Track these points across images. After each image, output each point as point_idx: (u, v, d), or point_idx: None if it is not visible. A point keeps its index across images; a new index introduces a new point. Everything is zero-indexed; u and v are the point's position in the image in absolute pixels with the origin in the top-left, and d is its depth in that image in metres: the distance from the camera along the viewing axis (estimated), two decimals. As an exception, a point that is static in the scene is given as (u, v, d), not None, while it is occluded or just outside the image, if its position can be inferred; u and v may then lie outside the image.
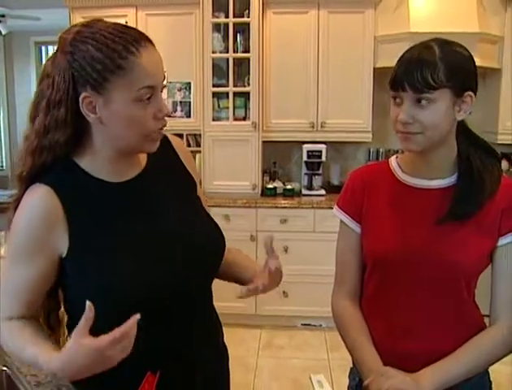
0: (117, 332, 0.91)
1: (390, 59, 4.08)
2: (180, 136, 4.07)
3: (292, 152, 4.48)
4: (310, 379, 1.09)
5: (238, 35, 3.96)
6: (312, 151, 4.20)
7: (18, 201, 1.11)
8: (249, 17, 3.90)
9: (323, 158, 4.23)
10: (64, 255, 1.09)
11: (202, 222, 1.24)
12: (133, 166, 1.18)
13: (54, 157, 1.10)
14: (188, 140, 4.25)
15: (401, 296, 1.30)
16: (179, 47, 4.01)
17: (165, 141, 1.23)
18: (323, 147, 4.19)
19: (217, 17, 3.93)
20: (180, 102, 4.14)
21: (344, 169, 4.54)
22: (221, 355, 1.33)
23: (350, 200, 1.38)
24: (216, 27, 3.99)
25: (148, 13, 4.04)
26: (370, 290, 1.36)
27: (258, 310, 3.98)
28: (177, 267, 1.12)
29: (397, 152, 4.48)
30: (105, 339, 0.92)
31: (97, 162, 1.13)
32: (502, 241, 1.26)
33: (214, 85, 3.98)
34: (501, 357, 1.26)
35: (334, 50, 4.05)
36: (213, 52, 3.95)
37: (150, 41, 1.08)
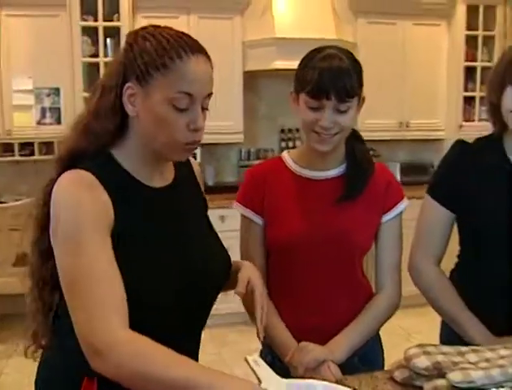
0: None
1: (258, 63, 4.37)
2: (51, 144, 3.93)
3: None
4: (247, 360, 1.15)
5: (108, 39, 3.91)
6: (187, 154, 4.28)
7: (51, 184, 1.07)
8: (119, 21, 3.88)
9: (198, 160, 4.32)
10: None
11: (214, 246, 1.28)
12: (162, 176, 1.20)
13: (98, 145, 1.12)
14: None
15: (305, 276, 1.44)
16: (45, 51, 3.88)
17: (186, 161, 1.28)
18: (197, 149, 4.30)
19: (86, 20, 3.85)
20: (50, 108, 3.99)
21: (218, 170, 4.70)
22: None
23: (252, 195, 1.48)
24: (85, 30, 3.90)
25: (8, 14, 3.84)
26: (276, 274, 1.48)
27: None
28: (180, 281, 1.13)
29: (266, 151, 4.75)
30: None
31: (131, 161, 1.14)
32: (386, 218, 1.47)
33: (85, 90, 3.89)
34: (389, 318, 1.48)
35: None
36: (83, 56, 3.87)
37: (206, 54, 1.11)
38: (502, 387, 1.12)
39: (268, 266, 1.50)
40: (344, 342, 1.38)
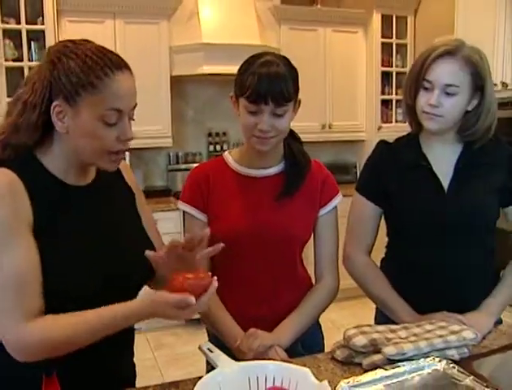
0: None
1: (185, 68, 4.43)
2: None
3: (95, 160, 4.46)
4: (201, 348, 1.24)
5: (32, 42, 3.82)
6: (116, 158, 4.27)
7: None
8: (43, 24, 3.80)
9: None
10: None
11: (140, 236, 1.33)
12: (86, 174, 1.25)
13: (16, 155, 1.15)
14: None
15: (248, 269, 1.53)
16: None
17: None
18: (126, 154, 4.29)
19: (7, 22, 3.74)
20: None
21: (146, 174, 4.71)
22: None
23: (196, 193, 1.55)
24: (7, 33, 3.79)
25: None
26: (221, 267, 1.54)
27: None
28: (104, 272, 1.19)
29: (194, 155, 4.81)
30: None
31: (56, 162, 1.19)
32: (322, 212, 1.58)
33: (8, 95, 3.78)
34: (328, 305, 1.60)
35: (132, 60, 3.97)
36: (5, 60, 3.75)
37: (129, 69, 1.16)
38: (429, 356, 1.27)
39: (214, 261, 1.57)
40: (288, 329, 1.48)
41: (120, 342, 1.27)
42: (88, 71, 1.10)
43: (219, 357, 1.17)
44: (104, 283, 1.18)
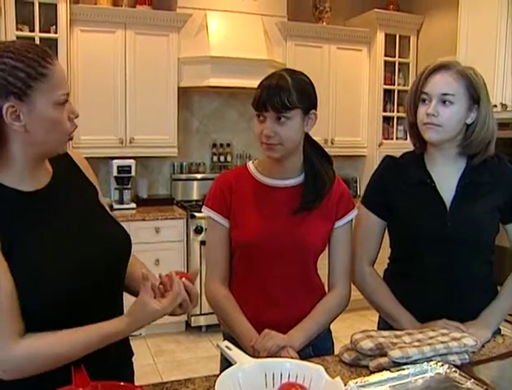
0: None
1: (192, 79, 4.54)
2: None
3: (99, 167, 4.51)
4: (219, 346, 1.32)
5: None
6: (122, 166, 4.36)
7: None
8: (56, 33, 3.91)
9: (133, 173, 4.41)
10: None
11: (112, 224, 1.38)
12: (45, 174, 1.28)
13: None
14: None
15: (265, 275, 1.61)
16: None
17: (65, 155, 1.34)
18: (132, 162, 4.38)
19: (21, 30, 3.84)
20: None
21: (151, 183, 4.80)
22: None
23: (220, 199, 1.64)
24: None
25: None
26: (240, 273, 1.65)
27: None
28: (90, 265, 1.24)
29: (198, 165, 4.91)
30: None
31: (12, 173, 1.19)
32: (338, 224, 1.66)
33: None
34: (339, 313, 1.68)
35: (141, 70, 4.28)
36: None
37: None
38: (431, 360, 1.36)
39: (233, 265, 1.67)
40: (301, 333, 1.57)
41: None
42: (32, 63, 1.13)
43: (238, 354, 1.24)
44: (88, 278, 1.23)
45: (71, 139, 1.26)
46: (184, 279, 1.30)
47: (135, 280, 1.42)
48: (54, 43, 3.89)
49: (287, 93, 1.51)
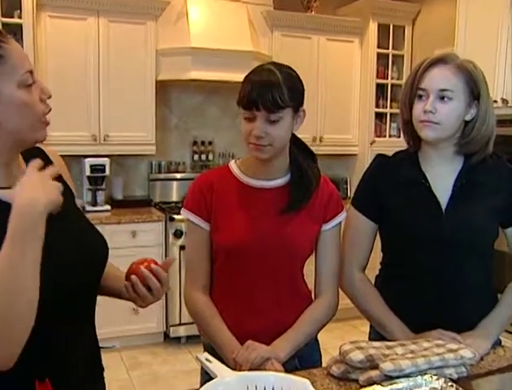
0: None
1: (172, 72, 4.51)
2: None
3: (71, 166, 4.44)
4: (198, 358, 1.31)
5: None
6: (95, 165, 4.32)
7: None
8: (20, 18, 3.85)
9: (107, 172, 4.38)
10: None
11: (89, 230, 1.37)
12: (18, 171, 1.25)
13: None
14: None
15: (249, 280, 1.60)
16: None
17: (39, 152, 1.33)
18: (106, 161, 4.34)
19: (-22, 15, 3.77)
20: None
21: (127, 183, 4.77)
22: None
23: (199, 201, 1.63)
24: (-21, 27, 3.83)
25: None
26: (221, 278, 1.64)
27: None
28: (68, 269, 1.22)
29: (178, 164, 4.89)
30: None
31: None
32: (326, 227, 1.67)
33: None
34: (327, 322, 1.67)
35: (116, 61, 4.25)
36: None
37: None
38: (426, 373, 1.36)
39: (214, 271, 1.66)
40: (286, 343, 1.56)
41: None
42: None
43: (218, 366, 1.24)
44: (64, 287, 1.21)
45: (48, 123, 1.24)
46: (152, 264, 1.32)
47: (110, 279, 1.42)
48: (18, 29, 3.81)
49: (279, 91, 1.49)
